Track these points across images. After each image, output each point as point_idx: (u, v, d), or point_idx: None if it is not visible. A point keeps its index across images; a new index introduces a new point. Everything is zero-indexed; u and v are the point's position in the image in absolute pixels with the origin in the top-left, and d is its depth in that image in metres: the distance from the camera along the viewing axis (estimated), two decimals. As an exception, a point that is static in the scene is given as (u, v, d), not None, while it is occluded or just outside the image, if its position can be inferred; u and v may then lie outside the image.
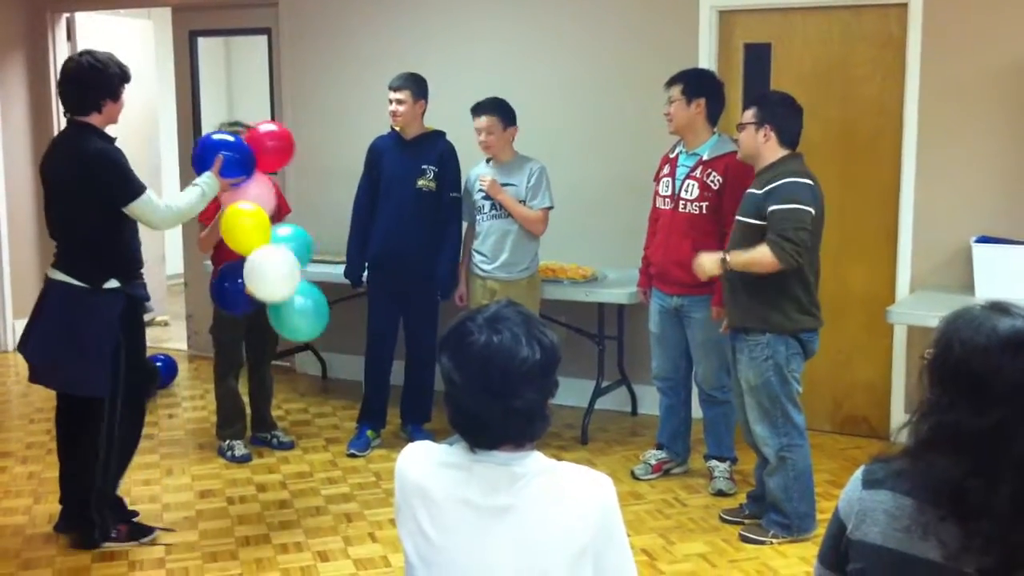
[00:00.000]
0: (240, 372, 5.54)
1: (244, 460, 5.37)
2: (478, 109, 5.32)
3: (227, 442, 5.46)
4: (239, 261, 4.47)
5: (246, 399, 5.62)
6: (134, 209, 4.16)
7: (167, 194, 6.73)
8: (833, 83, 5.63)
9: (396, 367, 5.68)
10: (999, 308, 1.83)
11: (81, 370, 4.13)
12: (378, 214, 5.48)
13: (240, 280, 4.45)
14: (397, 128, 5.48)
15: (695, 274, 4.55)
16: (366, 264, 5.59)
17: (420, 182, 5.39)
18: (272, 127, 4.92)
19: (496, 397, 1.99)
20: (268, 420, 5.69)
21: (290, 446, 5.61)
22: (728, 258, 4.26)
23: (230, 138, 4.58)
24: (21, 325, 5.44)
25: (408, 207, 5.39)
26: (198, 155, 4.52)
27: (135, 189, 4.16)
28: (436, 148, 5.43)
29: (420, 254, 5.40)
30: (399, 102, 5.37)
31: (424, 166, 5.39)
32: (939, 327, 1.86)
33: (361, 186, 5.59)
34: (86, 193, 4.11)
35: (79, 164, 4.11)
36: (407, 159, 5.42)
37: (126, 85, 4.30)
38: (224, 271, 4.65)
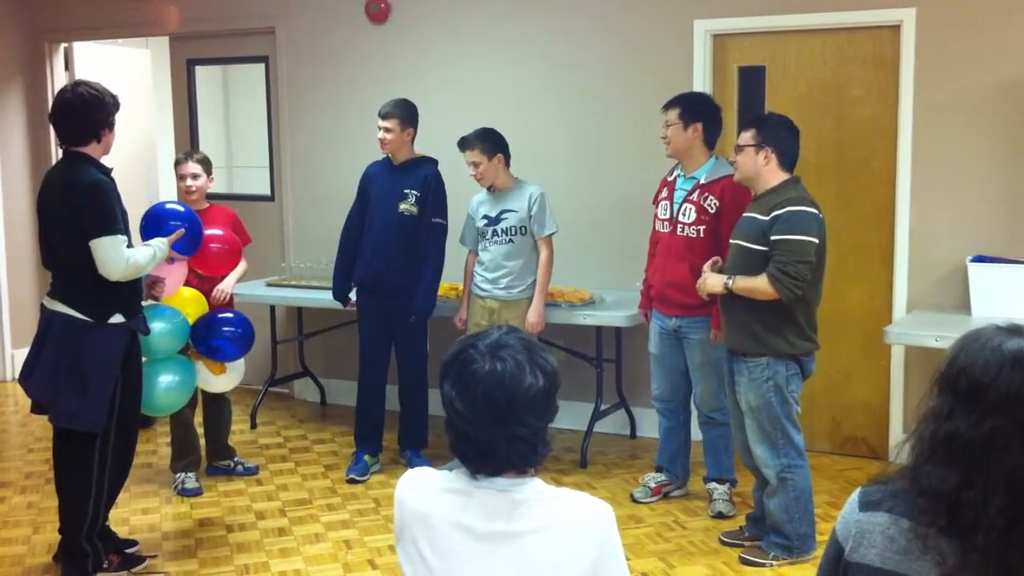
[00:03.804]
0: (196, 403, 5.41)
1: (194, 494, 5.28)
2: (462, 144, 5.37)
3: (179, 475, 5.35)
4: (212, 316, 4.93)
5: (201, 430, 5.53)
6: (100, 245, 4.03)
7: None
8: (827, 104, 5.66)
9: (393, 392, 5.69)
10: (1012, 330, 1.84)
11: (79, 404, 4.10)
12: (364, 238, 5.52)
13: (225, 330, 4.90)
14: (386, 155, 5.52)
15: (694, 294, 4.58)
16: (353, 286, 5.63)
17: (402, 206, 5.42)
18: (218, 231, 4.99)
19: (500, 425, 1.99)
20: (227, 448, 5.64)
21: (255, 471, 5.60)
22: (730, 283, 4.26)
23: (181, 208, 4.67)
24: (20, 355, 5.46)
25: (391, 231, 5.43)
26: (152, 218, 4.52)
27: (109, 227, 4.05)
28: (421, 173, 5.46)
29: (402, 278, 5.42)
30: (387, 130, 5.41)
31: (407, 190, 5.42)
32: (953, 342, 1.87)
33: (352, 210, 5.65)
34: (77, 223, 4.07)
35: (72, 194, 4.08)
36: (392, 184, 5.47)
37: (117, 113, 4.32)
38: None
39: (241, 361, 5.10)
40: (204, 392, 5.33)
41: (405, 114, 5.44)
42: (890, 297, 5.56)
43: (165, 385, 4.65)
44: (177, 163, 5.47)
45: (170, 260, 4.51)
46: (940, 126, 5.38)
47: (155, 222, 4.49)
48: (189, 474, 5.35)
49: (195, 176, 5.35)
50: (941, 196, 5.41)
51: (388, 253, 5.44)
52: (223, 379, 5.05)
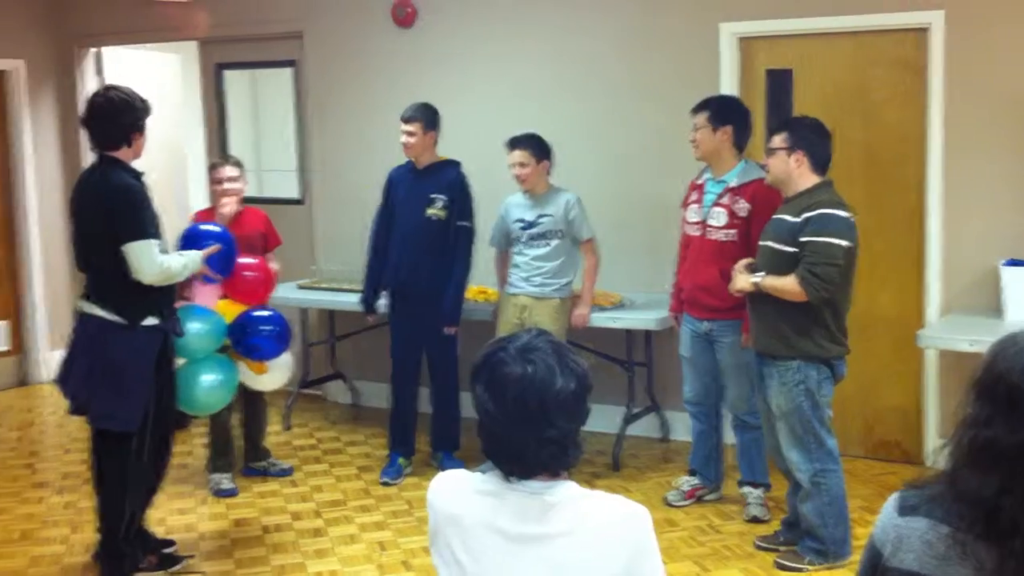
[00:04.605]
0: (234, 404, 5.37)
1: (230, 495, 5.32)
2: (513, 143, 5.40)
3: (215, 476, 5.40)
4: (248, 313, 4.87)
5: (236, 431, 5.56)
6: (132, 249, 4.08)
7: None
8: (855, 107, 5.65)
9: (425, 394, 5.73)
10: None
11: (115, 405, 4.15)
12: (392, 243, 5.55)
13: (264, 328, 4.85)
14: (409, 159, 5.55)
15: (725, 297, 4.62)
16: (382, 292, 5.66)
17: (429, 211, 5.45)
18: (251, 260, 5.01)
19: (532, 427, 2.00)
20: (262, 449, 5.69)
21: (289, 472, 5.65)
22: (758, 280, 4.28)
23: (216, 229, 4.72)
24: (56, 356, 5.52)
25: (418, 236, 5.46)
26: (188, 238, 4.61)
27: (142, 230, 4.10)
28: (446, 177, 5.48)
29: (430, 282, 5.45)
30: (409, 134, 5.44)
31: (433, 195, 5.45)
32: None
33: (378, 215, 5.68)
34: (110, 227, 4.11)
35: (104, 198, 4.14)
36: (418, 188, 5.49)
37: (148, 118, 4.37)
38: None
39: (289, 358, 5.10)
40: (242, 393, 5.36)
41: (427, 117, 5.46)
42: (922, 301, 5.54)
43: (208, 384, 4.65)
44: (213, 167, 5.51)
45: (204, 279, 4.57)
46: (969, 129, 5.36)
47: (191, 241, 4.56)
48: (225, 475, 5.40)
49: (232, 180, 5.40)
50: (972, 199, 5.39)
51: (416, 258, 5.46)
52: (270, 377, 5.03)
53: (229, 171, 5.41)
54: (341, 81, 6.98)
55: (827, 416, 4.33)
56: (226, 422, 5.40)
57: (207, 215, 5.38)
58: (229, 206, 5.34)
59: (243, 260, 4.89)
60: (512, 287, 5.50)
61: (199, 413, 5.04)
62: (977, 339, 4.58)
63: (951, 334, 4.93)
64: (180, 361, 4.59)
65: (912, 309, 5.57)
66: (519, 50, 6.43)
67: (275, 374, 5.06)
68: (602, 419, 5.67)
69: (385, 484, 5.48)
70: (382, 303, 5.72)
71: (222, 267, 4.63)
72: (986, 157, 5.35)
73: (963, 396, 1.87)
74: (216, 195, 5.45)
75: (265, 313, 4.99)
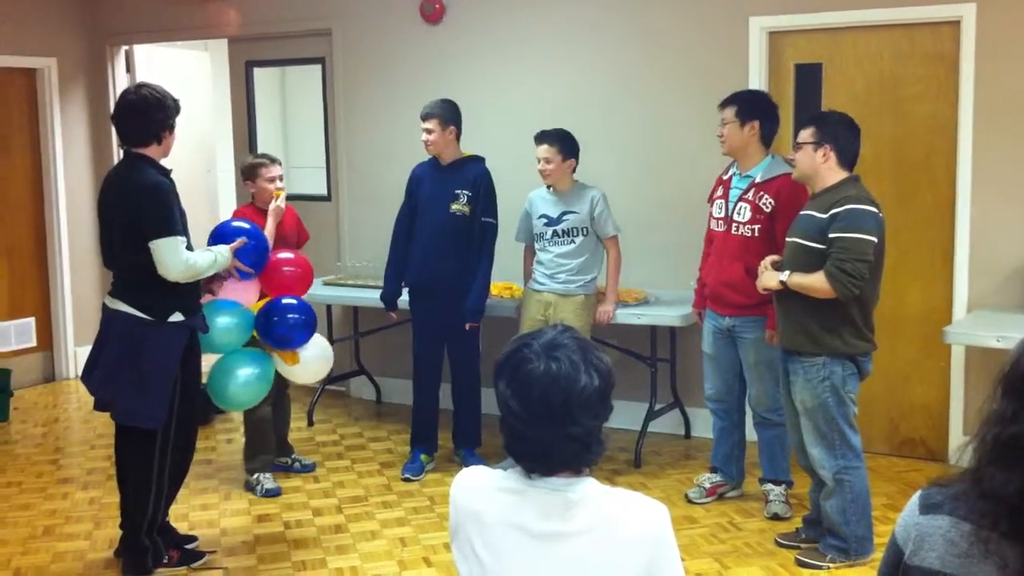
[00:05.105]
0: (270, 399, 5.33)
1: (275, 494, 5.29)
2: (540, 138, 5.39)
3: (255, 476, 5.35)
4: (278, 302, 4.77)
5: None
6: (159, 246, 4.08)
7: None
8: (885, 102, 5.59)
9: (447, 391, 5.72)
10: None
11: (140, 402, 4.16)
12: (415, 239, 5.54)
13: (291, 316, 4.74)
14: (432, 155, 5.54)
15: (748, 293, 4.58)
16: (404, 289, 5.66)
17: (454, 206, 5.44)
18: (288, 255, 4.99)
19: (555, 424, 1.99)
20: (287, 445, 5.69)
21: (312, 468, 5.65)
22: (785, 278, 4.23)
23: (246, 225, 4.70)
24: (83, 352, 5.55)
25: (442, 231, 5.45)
26: (218, 236, 4.60)
27: (169, 228, 4.10)
28: (470, 173, 5.47)
29: (455, 278, 5.44)
30: (428, 131, 5.43)
31: (457, 190, 5.43)
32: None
33: (401, 212, 5.67)
34: (137, 224, 4.13)
35: (131, 195, 4.15)
36: (442, 184, 5.48)
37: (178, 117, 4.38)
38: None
39: (329, 350, 5.05)
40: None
41: (445, 114, 5.45)
42: (950, 296, 5.48)
43: (243, 379, 4.61)
44: (261, 166, 5.41)
45: (239, 274, 4.56)
46: (1001, 122, 5.29)
47: (220, 239, 4.56)
48: (266, 474, 5.36)
49: (282, 177, 5.43)
50: (1003, 194, 5.32)
51: (440, 255, 5.45)
52: (311, 368, 4.94)
53: (278, 169, 5.43)
54: (369, 78, 6.99)
55: (852, 413, 4.28)
56: (266, 417, 5.33)
57: (248, 211, 5.38)
58: (284, 201, 5.35)
59: (281, 255, 4.88)
60: (536, 283, 5.47)
61: (235, 409, 5.02)
62: (1005, 335, 4.53)
63: (978, 330, 4.87)
64: (213, 357, 4.59)
65: (940, 305, 5.51)
66: (546, 46, 6.41)
67: (316, 365, 4.95)
68: (624, 415, 5.65)
69: (407, 480, 5.48)
70: (402, 300, 5.71)
71: (253, 261, 4.61)
72: (1017, 151, 5.28)
73: (989, 392, 1.84)
74: (265, 192, 5.38)
75: (291, 301, 4.88)
